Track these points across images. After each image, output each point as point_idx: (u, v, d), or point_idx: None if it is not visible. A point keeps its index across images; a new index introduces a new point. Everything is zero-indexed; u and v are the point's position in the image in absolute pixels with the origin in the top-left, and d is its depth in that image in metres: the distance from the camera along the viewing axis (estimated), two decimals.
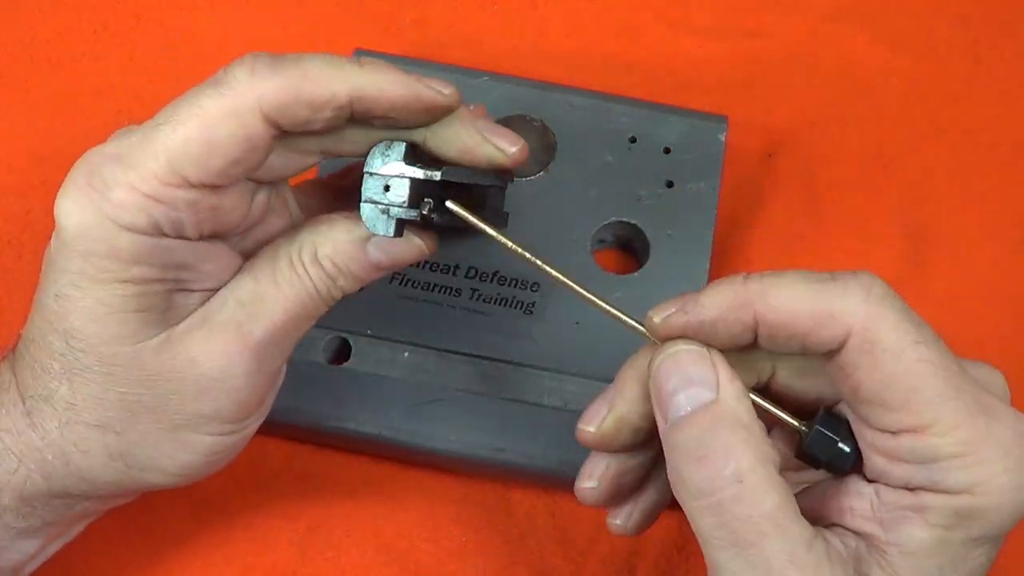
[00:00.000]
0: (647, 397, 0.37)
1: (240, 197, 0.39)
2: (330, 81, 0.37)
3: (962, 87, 0.59)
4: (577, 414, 0.48)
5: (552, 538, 0.49)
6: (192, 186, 0.37)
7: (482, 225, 0.40)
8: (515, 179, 0.53)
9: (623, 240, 0.53)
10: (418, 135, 0.40)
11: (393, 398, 0.49)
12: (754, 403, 0.36)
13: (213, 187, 0.38)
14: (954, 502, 0.34)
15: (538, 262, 0.40)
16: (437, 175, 0.39)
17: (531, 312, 0.50)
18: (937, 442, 0.34)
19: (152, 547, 0.49)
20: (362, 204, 0.39)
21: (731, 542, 0.34)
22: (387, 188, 0.39)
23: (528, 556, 0.49)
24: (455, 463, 0.49)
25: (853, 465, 0.36)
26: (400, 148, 0.40)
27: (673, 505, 0.48)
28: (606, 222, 0.52)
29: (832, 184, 0.57)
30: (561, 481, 0.49)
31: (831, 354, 0.35)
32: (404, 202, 0.39)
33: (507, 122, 0.54)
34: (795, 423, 0.37)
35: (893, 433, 0.34)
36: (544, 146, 0.54)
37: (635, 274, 0.51)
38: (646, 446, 0.39)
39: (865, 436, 0.36)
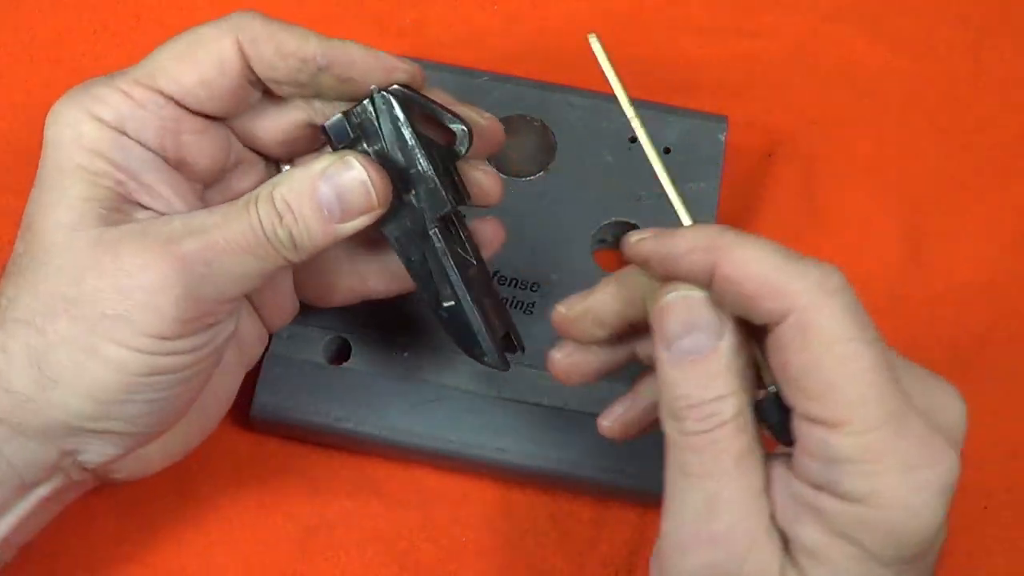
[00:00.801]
0: (620, 301, 0.40)
1: (211, 141, 0.42)
2: (304, 37, 0.41)
3: (962, 87, 0.59)
4: (577, 414, 0.48)
5: (552, 538, 0.49)
6: (162, 95, 0.41)
7: None
8: (515, 179, 0.53)
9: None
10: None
11: (393, 398, 0.49)
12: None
13: (180, 104, 0.41)
14: (849, 510, 0.33)
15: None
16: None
17: (531, 312, 0.50)
18: (843, 442, 0.33)
19: (152, 546, 0.48)
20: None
21: (697, 471, 0.35)
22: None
23: (528, 556, 0.49)
24: (455, 463, 0.49)
25: (788, 442, 0.36)
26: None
27: None
28: (606, 222, 0.52)
29: (832, 184, 0.57)
30: (561, 481, 0.49)
31: (770, 327, 0.35)
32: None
33: (507, 122, 0.54)
34: (765, 381, 0.37)
35: (807, 421, 0.34)
36: (544, 146, 0.54)
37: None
38: (613, 346, 0.42)
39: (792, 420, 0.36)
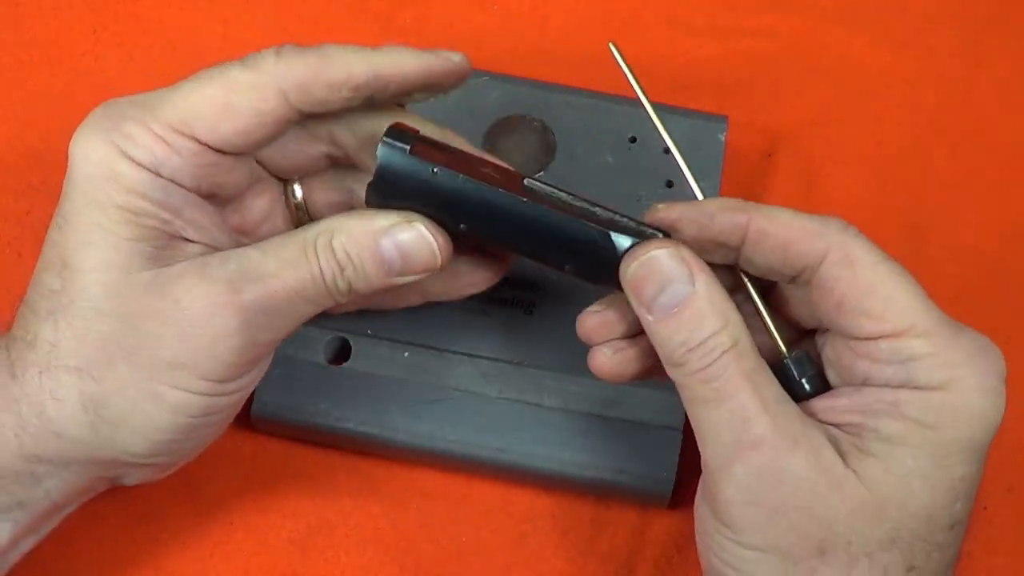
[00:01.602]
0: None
1: (239, 174, 0.42)
2: (348, 62, 0.40)
3: (962, 87, 0.59)
4: (577, 414, 0.48)
5: (552, 538, 0.49)
6: (198, 143, 0.40)
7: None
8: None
9: None
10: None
11: (393, 398, 0.49)
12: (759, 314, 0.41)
13: (216, 150, 0.40)
14: (928, 398, 0.37)
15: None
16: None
17: (531, 312, 0.50)
18: (913, 343, 0.37)
19: (152, 546, 0.48)
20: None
21: (714, 398, 0.37)
22: None
23: (528, 556, 0.49)
24: (455, 463, 0.49)
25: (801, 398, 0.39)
26: None
27: (672, 506, 0.48)
28: None
29: (832, 184, 0.57)
30: (561, 481, 0.49)
31: (807, 275, 0.39)
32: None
33: (507, 122, 0.54)
34: (781, 346, 0.40)
35: (875, 339, 0.38)
36: (544, 146, 0.54)
37: None
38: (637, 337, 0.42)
39: (849, 347, 0.39)
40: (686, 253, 0.38)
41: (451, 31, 0.60)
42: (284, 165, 0.44)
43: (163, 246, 0.40)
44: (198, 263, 0.40)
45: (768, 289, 0.42)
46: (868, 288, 0.38)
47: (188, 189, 0.40)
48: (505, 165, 0.44)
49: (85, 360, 0.39)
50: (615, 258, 0.40)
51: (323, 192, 0.45)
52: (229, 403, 0.41)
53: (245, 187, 0.43)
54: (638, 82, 0.43)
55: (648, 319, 0.38)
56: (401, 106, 0.44)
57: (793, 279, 0.40)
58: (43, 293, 0.39)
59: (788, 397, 0.38)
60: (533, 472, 0.48)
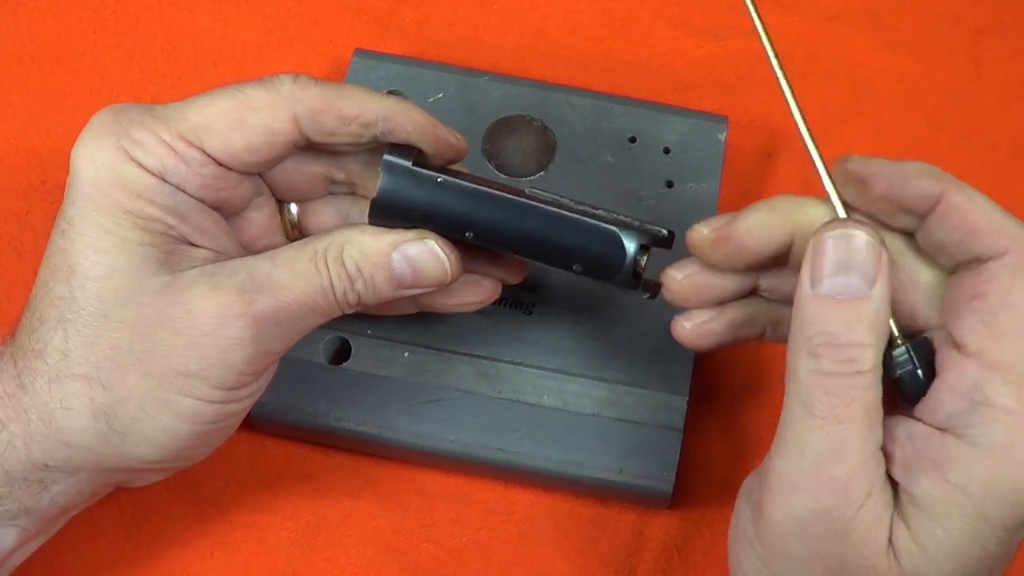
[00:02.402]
0: (768, 228, 0.39)
1: (244, 190, 0.42)
2: (362, 99, 0.41)
3: (962, 87, 0.59)
4: (577, 414, 0.48)
5: (552, 538, 0.49)
6: (206, 155, 0.40)
7: None
8: (515, 179, 0.53)
9: None
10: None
11: (393, 398, 0.49)
12: None
13: (222, 164, 0.40)
14: (977, 458, 0.34)
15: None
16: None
17: (531, 312, 0.50)
18: (1000, 388, 0.34)
19: (153, 546, 0.48)
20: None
21: (822, 415, 0.35)
22: None
23: (528, 556, 0.49)
24: (455, 463, 0.49)
25: (914, 398, 0.36)
26: None
27: (672, 506, 0.48)
28: None
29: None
30: (561, 481, 0.49)
31: (974, 262, 0.36)
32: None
33: (507, 122, 0.54)
34: (897, 337, 0.37)
35: (970, 357, 0.35)
36: (544, 146, 0.54)
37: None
38: (739, 274, 0.41)
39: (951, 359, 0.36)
40: (885, 252, 0.36)
41: (451, 31, 0.60)
42: (284, 186, 0.44)
43: (171, 251, 0.40)
44: (208, 271, 0.40)
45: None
46: (1017, 305, 0.35)
47: (194, 197, 0.40)
48: (503, 184, 0.44)
49: (95, 368, 0.39)
50: (623, 255, 0.41)
51: (318, 215, 0.45)
52: (238, 409, 0.42)
53: (246, 204, 0.43)
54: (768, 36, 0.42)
55: (807, 290, 0.36)
56: None
57: (954, 268, 0.37)
58: (51, 301, 0.39)
59: (881, 447, 0.35)
60: (533, 472, 0.48)
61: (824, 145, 0.58)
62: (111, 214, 0.39)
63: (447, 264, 0.42)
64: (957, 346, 0.36)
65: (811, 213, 0.39)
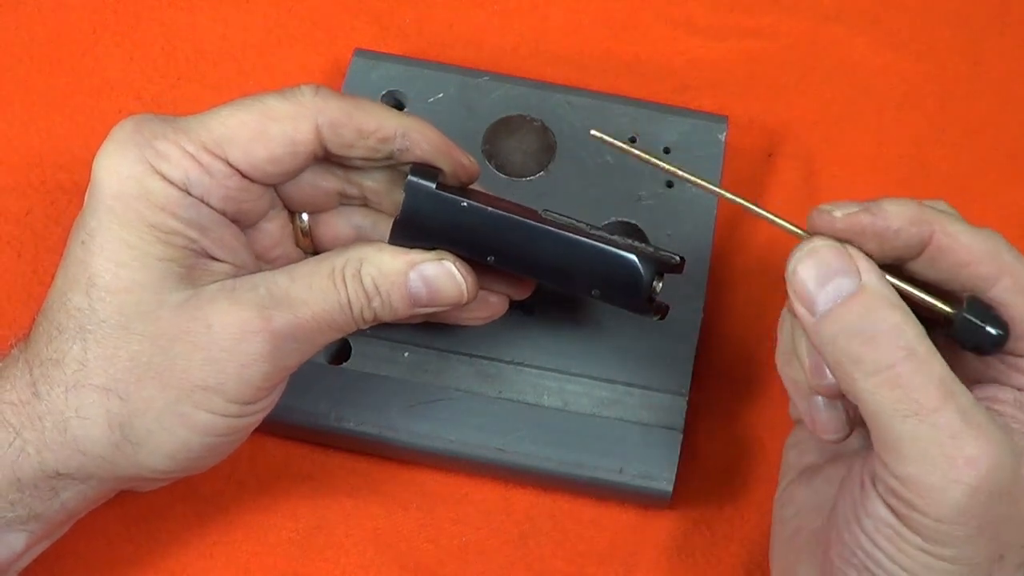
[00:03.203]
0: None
1: (263, 202, 0.43)
2: (380, 115, 0.41)
3: (962, 87, 0.59)
4: (577, 414, 0.48)
5: (552, 538, 0.49)
6: (229, 166, 0.40)
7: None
8: (515, 179, 0.53)
9: None
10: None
11: (393, 398, 0.49)
12: (899, 290, 0.37)
13: (244, 175, 0.40)
14: None
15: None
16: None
17: (531, 312, 0.50)
18: None
19: (153, 546, 0.48)
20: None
21: (914, 411, 0.35)
22: None
23: (528, 556, 0.49)
24: (455, 463, 0.49)
25: (999, 346, 0.37)
26: None
27: (672, 506, 0.48)
28: (606, 222, 0.52)
29: (832, 184, 0.57)
30: (561, 481, 0.49)
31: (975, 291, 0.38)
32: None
33: (507, 122, 0.54)
34: (944, 307, 0.38)
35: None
36: (544, 146, 0.54)
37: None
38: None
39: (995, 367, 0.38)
40: (852, 248, 0.37)
41: (451, 31, 0.60)
42: (298, 198, 0.44)
43: (192, 265, 0.40)
44: (228, 286, 0.40)
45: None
46: None
47: (215, 210, 0.41)
48: (519, 203, 0.44)
49: (112, 379, 0.39)
50: (640, 282, 0.42)
51: (329, 225, 0.46)
52: (250, 423, 0.42)
53: (263, 216, 0.44)
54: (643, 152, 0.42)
55: (810, 321, 0.36)
56: None
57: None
58: (69, 311, 0.39)
59: (977, 403, 0.36)
60: (533, 472, 0.48)
61: (825, 145, 0.58)
62: (133, 228, 0.39)
63: (463, 286, 0.42)
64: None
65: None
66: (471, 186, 0.45)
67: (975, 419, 0.35)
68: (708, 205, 0.52)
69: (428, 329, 0.49)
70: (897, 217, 0.37)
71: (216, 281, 0.40)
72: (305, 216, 0.45)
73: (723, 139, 0.54)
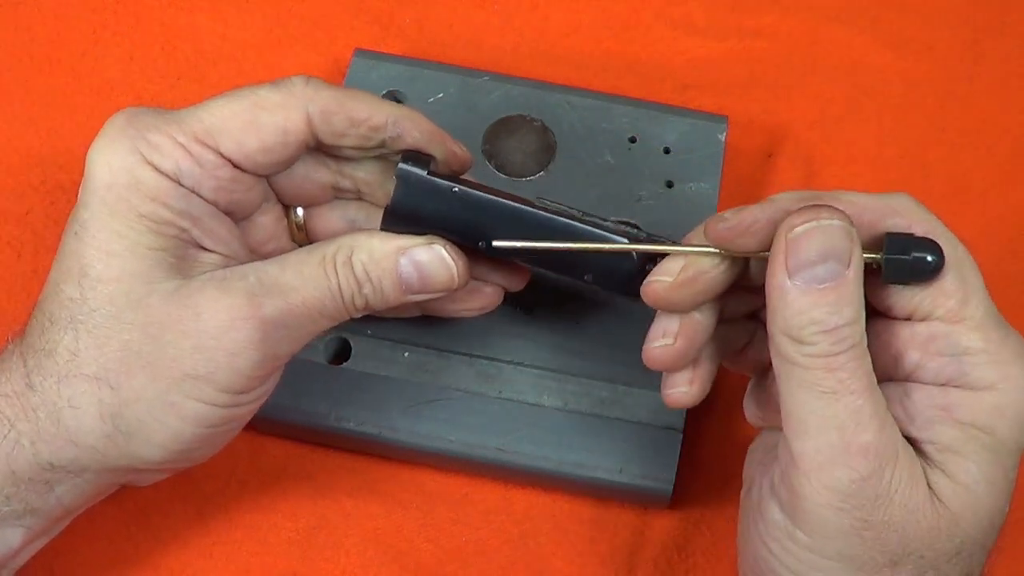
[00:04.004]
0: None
1: (255, 193, 0.42)
2: (371, 104, 0.42)
3: (962, 87, 0.59)
4: (577, 414, 0.48)
5: (552, 538, 0.49)
6: (221, 156, 0.40)
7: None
8: (515, 179, 0.53)
9: None
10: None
11: (393, 398, 0.49)
12: None
13: (236, 166, 0.40)
14: (979, 399, 0.36)
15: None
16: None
17: (531, 312, 0.50)
18: (968, 336, 0.37)
19: (153, 545, 0.48)
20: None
21: (833, 389, 0.36)
22: None
23: (528, 556, 0.49)
24: (455, 463, 0.49)
25: (939, 270, 0.37)
26: None
27: (672, 506, 0.48)
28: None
29: (832, 184, 0.57)
30: (561, 481, 0.49)
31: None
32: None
33: (507, 122, 0.54)
34: (870, 256, 0.38)
35: (928, 321, 0.37)
36: (544, 146, 0.54)
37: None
38: (708, 305, 0.41)
39: (899, 334, 0.38)
40: (855, 231, 0.37)
41: (451, 31, 0.60)
42: (291, 191, 0.44)
43: (183, 256, 0.40)
44: (218, 276, 0.40)
45: None
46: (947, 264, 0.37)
47: (207, 201, 0.41)
48: (512, 192, 0.44)
49: (104, 369, 0.39)
50: (633, 267, 0.41)
51: (324, 219, 0.46)
52: (243, 413, 0.42)
53: (256, 209, 0.44)
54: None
55: (786, 284, 0.36)
56: None
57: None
58: (61, 302, 0.39)
59: (887, 409, 0.37)
60: (533, 472, 0.48)
61: (825, 145, 0.58)
62: (124, 218, 0.39)
63: (454, 270, 0.42)
64: (912, 318, 0.38)
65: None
66: (464, 176, 0.45)
67: (881, 414, 0.36)
68: (708, 205, 0.52)
69: (428, 329, 0.49)
70: (788, 201, 0.38)
71: (206, 271, 0.40)
72: (300, 210, 0.45)
73: (723, 139, 0.54)
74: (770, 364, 0.40)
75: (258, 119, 0.40)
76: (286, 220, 0.45)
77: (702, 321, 0.40)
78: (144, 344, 0.39)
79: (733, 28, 0.60)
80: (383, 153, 0.43)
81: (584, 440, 0.48)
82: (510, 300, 0.50)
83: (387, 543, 0.49)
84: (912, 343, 0.38)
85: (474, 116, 0.54)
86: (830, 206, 0.37)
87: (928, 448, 0.37)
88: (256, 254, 0.44)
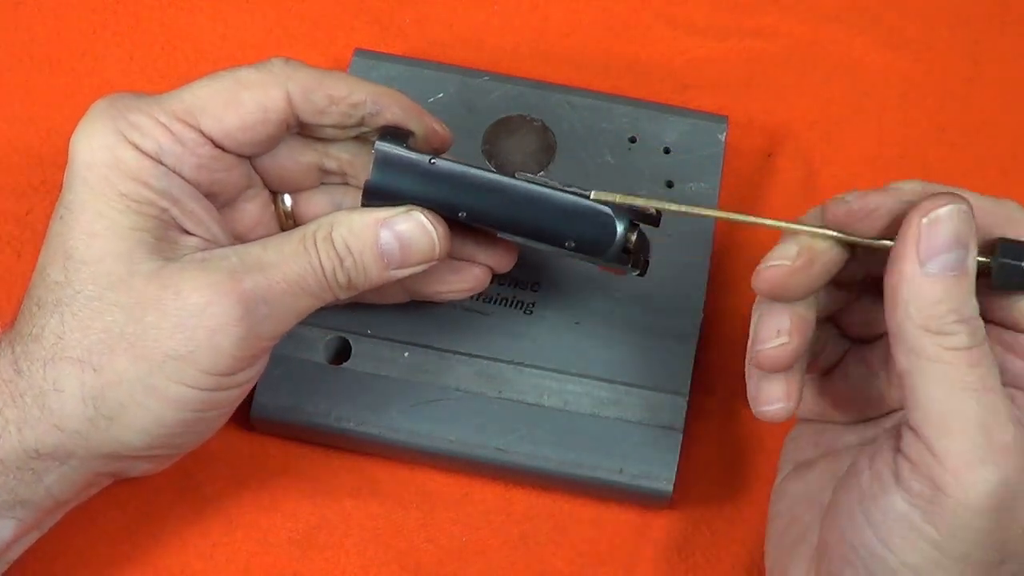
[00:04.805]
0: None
1: (238, 176, 0.43)
2: (350, 82, 0.42)
3: (962, 87, 0.59)
4: (577, 414, 0.48)
5: (552, 538, 0.49)
6: (202, 134, 0.41)
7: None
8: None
9: None
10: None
11: (393, 398, 0.49)
12: None
13: (218, 145, 0.41)
14: None
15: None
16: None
17: (531, 312, 0.50)
18: None
19: (153, 546, 0.48)
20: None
21: (973, 387, 0.35)
22: None
23: (528, 556, 0.49)
24: (455, 463, 0.49)
25: None
26: None
27: (672, 506, 0.48)
28: None
29: (832, 184, 0.57)
30: (561, 481, 0.49)
31: None
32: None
33: (507, 122, 0.54)
34: (980, 259, 0.37)
35: None
36: (544, 146, 0.54)
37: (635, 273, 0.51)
38: (810, 299, 0.40)
39: (1004, 341, 0.38)
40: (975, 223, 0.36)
41: (451, 31, 0.60)
42: (277, 174, 0.44)
43: (163, 237, 0.40)
44: (199, 257, 0.40)
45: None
46: None
47: (188, 181, 0.41)
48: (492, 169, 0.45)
49: (87, 351, 0.39)
50: (613, 232, 0.42)
51: (312, 205, 0.46)
52: (227, 399, 0.41)
53: (241, 191, 0.44)
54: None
55: (916, 270, 0.35)
56: None
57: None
58: (48, 286, 0.40)
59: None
60: (533, 472, 0.48)
61: (825, 145, 0.58)
62: (106, 197, 0.39)
63: (435, 236, 0.42)
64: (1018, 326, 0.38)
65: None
66: (444, 155, 0.45)
67: (1012, 414, 0.35)
68: (708, 205, 0.52)
69: (428, 329, 0.49)
70: (912, 191, 0.37)
71: (187, 254, 0.40)
72: (287, 198, 0.45)
73: (723, 139, 0.54)
74: (834, 365, 0.40)
75: (238, 97, 0.41)
76: (274, 208, 0.45)
77: (806, 316, 0.40)
78: (127, 325, 0.39)
79: (733, 28, 0.60)
80: (364, 132, 0.43)
81: (584, 440, 0.48)
82: (510, 300, 0.50)
83: (387, 543, 0.49)
84: (1015, 350, 0.38)
85: (474, 116, 0.54)
86: (957, 194, 0.36)
87: None
88: (244, 241, 0.44)
